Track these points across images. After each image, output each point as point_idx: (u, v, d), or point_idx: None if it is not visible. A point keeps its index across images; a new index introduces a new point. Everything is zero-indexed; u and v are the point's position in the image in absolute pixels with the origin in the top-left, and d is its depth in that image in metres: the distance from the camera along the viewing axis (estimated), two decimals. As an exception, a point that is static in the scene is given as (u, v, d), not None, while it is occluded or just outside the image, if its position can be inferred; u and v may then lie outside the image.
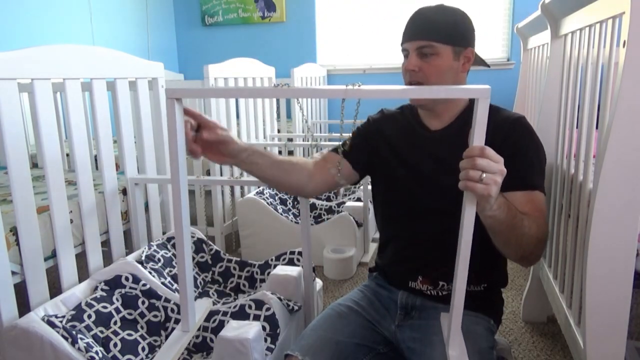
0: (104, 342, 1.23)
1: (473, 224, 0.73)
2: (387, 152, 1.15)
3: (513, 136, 1.02)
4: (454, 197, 0.99)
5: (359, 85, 0.72)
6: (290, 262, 1.62)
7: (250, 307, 1.31)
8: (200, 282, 1.66)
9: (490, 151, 0.72)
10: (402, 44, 1.07)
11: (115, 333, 1.27)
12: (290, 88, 0.75)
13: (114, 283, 1.37)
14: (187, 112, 0.87)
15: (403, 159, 1.13)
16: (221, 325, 1.28)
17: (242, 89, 0.78)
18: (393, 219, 1.18)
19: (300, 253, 1.62)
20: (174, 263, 1.62)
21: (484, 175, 0.71)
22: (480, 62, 1.14)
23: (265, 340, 1.23)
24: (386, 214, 1.19)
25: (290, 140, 3.02)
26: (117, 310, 1.33)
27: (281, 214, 2.31)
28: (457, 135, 1.06)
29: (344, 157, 1.15)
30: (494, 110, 1.08)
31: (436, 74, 1.02)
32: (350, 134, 1.22)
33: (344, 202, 2.46)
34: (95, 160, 1.67)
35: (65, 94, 1.36)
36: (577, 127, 1.28)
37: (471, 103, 1.09)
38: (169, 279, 1.53)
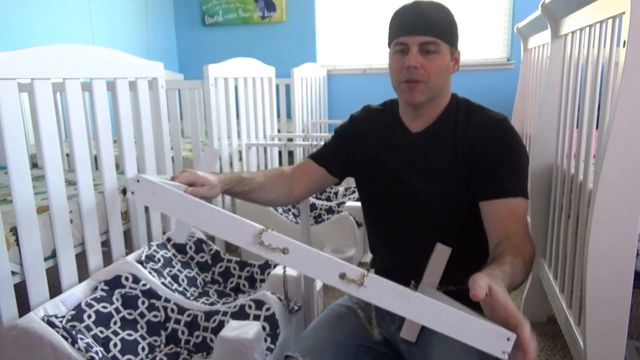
0: (104, 342, 1.23)
1: None
2: (365, 153, 1.14)
3: (494, 142, 0.99)
4: (432, 202, 0.98)
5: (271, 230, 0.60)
6: (290, 262, 1.62)
7: (250, 307, 1.31)
8: (200, 282, 1.66)
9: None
10: (397, 37, 1.01)
11: (115, 333, 1.27)
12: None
13: (114, 283, 1.37)
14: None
15: (381, 160, 1.11)
16: (221, 325, 1.28)
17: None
18: (377, 222, 1.16)
19: (300, 253, 1.61)
20: (173, 263, 1.62)
21: None
22: None
23: (265, 340, 1.23)
24: (370, 217, 1.18)
25: (290, 140, 3.01)
26: (117, 310, 1.33)
27: (281, 214, 2.31)
28: (436, 135, 1.05)
29: (320, 165, 1.16)
30: (475, 109, 1.07)
31: (437, 73, 1.00)
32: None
33: (343, 202, 2.46)
34: (95, 160, 1.67)
35: (65, 94, 1.36)
36: (577, 127, 1.28)
37: (451, 102, 1.08)
38: (169, 279, 1.53)
